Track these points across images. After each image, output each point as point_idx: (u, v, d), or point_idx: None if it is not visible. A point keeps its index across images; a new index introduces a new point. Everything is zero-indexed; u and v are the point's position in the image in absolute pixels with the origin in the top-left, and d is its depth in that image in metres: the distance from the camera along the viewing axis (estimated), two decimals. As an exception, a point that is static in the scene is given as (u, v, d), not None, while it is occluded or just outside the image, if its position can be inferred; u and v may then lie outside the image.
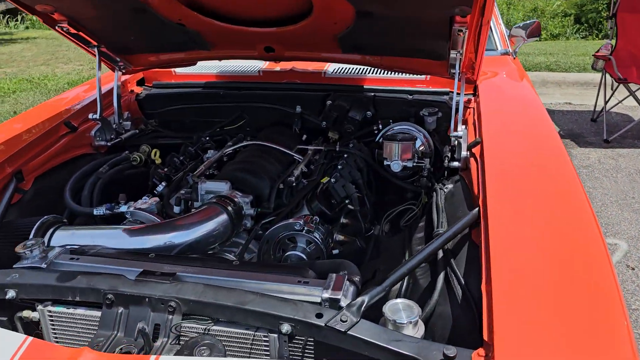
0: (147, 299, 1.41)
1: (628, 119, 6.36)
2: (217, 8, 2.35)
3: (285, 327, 1.28)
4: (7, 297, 1.50)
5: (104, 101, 2.94)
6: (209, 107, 3.04)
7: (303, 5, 2.20)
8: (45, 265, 1.61)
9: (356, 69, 3.02)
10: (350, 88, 2.87)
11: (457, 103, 2.38)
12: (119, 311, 1.44)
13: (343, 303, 1.36)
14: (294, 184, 2.28)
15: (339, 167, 2.39)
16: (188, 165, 2.56)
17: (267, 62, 3.12)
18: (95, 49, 2.65)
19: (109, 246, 1.87)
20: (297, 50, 2.62)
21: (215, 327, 1.38)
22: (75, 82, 8.43)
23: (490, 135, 2.19)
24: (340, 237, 2.34)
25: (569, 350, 1.07)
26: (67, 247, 1.81)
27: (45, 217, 1.98)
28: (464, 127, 2.49)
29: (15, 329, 1.62)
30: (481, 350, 1.13)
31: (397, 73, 2.86)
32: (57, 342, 1.55)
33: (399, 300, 1.33)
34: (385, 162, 2.41)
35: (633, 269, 3.49)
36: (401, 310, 1.29)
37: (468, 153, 2.29)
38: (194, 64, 3.00)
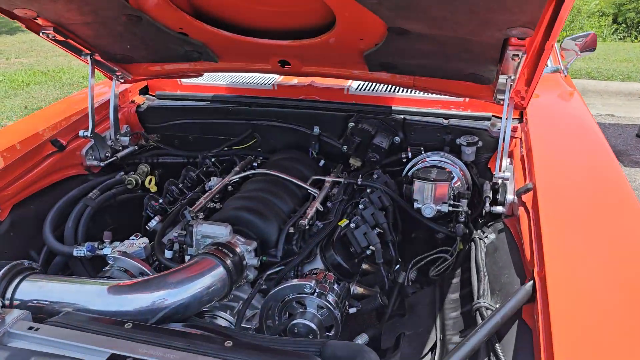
0: None
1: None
2: (224, 17, 2.01)
3: None
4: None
5: (101, 113, 2.64)
6: (217, 123, 2.70)
7: (324, 17, 1.85)
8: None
9: (384, 86, 2.65)
10: (376, 109, 2.50)
11: (504, 135, 2.00)
12: None
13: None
14: (307, 227, 1.93)
15: (361, 206, 2.04)
16: (187, 196, 2.23)
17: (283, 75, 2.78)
18: (88, 58, 2.34)
19: (83, 305, 1.57)
20: (315, 65, 2.27)
21: None
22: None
23: (545, 180, 1.81)
24: (359, 290, 1.99)
25: None
26: (30, 305, 1.53)
27: (13, 263, 1.68)
28: (509, 161, 2.11)
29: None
30: None
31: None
32: None
33: None
34: (416, 205, 2.04)
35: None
36: None
37: (515, 197, 1.92)
38: (201, 75, 2.67)
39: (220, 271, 1.69)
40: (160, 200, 2.19)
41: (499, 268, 1.76)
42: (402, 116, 2.45)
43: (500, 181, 2.00)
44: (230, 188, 2.29)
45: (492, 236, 1.96)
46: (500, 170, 1.94)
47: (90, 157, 2.47)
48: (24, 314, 1.46)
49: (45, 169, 2.25)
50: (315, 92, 2.63)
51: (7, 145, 2.11)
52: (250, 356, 1.31)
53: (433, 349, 1.67)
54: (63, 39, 2.15)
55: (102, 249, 1.94)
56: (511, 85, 1.88)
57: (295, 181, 2.18)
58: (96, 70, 2.41)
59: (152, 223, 2.09)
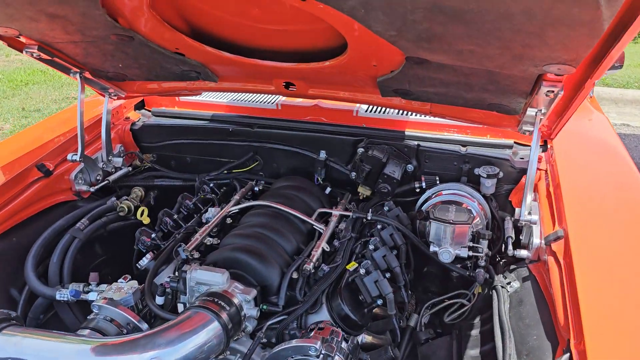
0: None
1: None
2: (223, 36, 1.83)
3: None
4: None
5: (92, 132, 2.47)
6: (216, 144, 2.52)
7: (333, 40, 1.66)
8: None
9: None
10: (387, 133, 2.31)
11: (531, 176, 1.81)
12: None
13: None
14: (312, 272, 1.75)
15: (371, 247, 1.86)
16: (181, 230, 2.05)
17: (287, 93, 2.59)
18: (77, 76, 2.16)
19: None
20: (322, 88, 2.09)
21: None
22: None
23: (578, 226, 1.62)
24: (368, 339, 1.81)
25: None
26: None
27: (-12, 313, 1.51)
28: (533, 196, 1.92)
29: None
30: None
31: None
32: None
33: None
34: (432, 248, 1.85)
35: None
36: None
37: (543, 242, 1.74)
38: (199, 94, 2.49)
39: (215, 326, 1.52)
40: (153, 235, 2.01)
41: (525, 326, 1.58)
42: (415, 142, 2.26)
43: (524, 224, 1.82)
44: (229, 220, 2.11)
45: (516, 284, 1.78)
46: (528, 212, 1.75)
47: (80, 182, 2.30)
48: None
49: (30, 197, 2.08)
50: (322, 113, 2.45)
51: (-13, 173, 1.95)
52: None
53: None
54: (49, 57, 1.98)
55: (87, 292, 1.77)
56: (541, 119, 1.69)
57: (300, 215, 2.00)
58: (87, 87, 2.24)
59: (144, 261, 1.91)
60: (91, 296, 1.75)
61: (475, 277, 1.83)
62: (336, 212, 2.09)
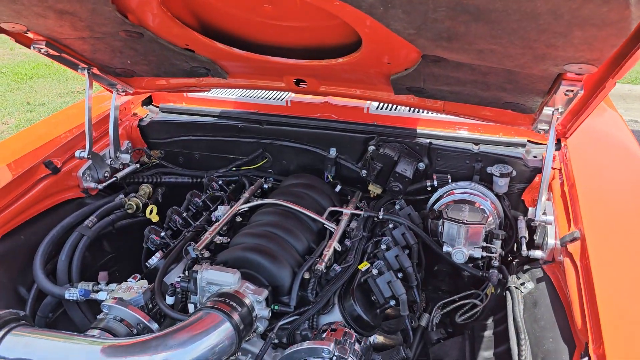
0: None
1: None
2: (234, 33, 1.80)
3: None
4: None
5: (100, 128, 2.45)
6: (225, 141, 2.49)
7: (347, 36, 1.63)
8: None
9: (407, 106, 2.43)
10: (399, 131, 2.28)
11: (546, 177, 1.79)
12: None
13: None
14: (324, 272, 1.73)
15: (383, 246, 1.84)
16: (191, 228, 2.04)
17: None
18: (85, 72, 2.13)
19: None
20: (334, 85, 2.06)
21: None
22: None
23: (595, 227, 1.60)
24: (379, 339, 1.80)
25: None
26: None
27: (-1, 313, 1.50)
28: (547, 196, 1.90)
29: None
30: None
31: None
32: None
33: None
34: (445, 248, 1.83)
35: None
36: None
37: (558, 243, 1.71)
38: (208, 90, 2.46)
39: (227, 327, 1.50)
40: (162, 234, 2.00)
41: (540, 328, 1.56)
42: (427, 140, 2.24)
43: (538, 224, 1.79)
44: (238, 218, 2.09)
45: (530, 285, 1.75)
46: (541, 212, 1.73)
47: (88, 179, 2.28)
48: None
49: (38, 195, 2.06)
50: (333, 110, 2.42)
51: (-4, 169, 1.93)
52: None
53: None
54: (57, 53, 1.95)
55: (97, 291, 1.76)
56: (558, 118, 1.66)
57: (311, 214, 1.98)
58: (95, 82, 2.21)
59: (153, 260, 1.90)
60: (101, 296, 1.74)
61: (489, 277, 1.80)
62: (347, 211, 2.07)
